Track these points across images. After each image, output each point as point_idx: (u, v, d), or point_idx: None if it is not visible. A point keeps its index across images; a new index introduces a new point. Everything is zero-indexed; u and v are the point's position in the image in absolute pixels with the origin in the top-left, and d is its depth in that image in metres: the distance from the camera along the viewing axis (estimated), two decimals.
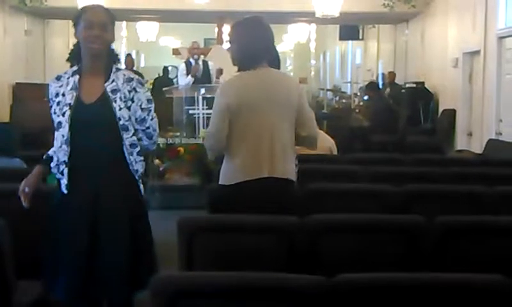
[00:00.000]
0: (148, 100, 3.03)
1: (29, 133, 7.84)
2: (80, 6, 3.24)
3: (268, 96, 3.32)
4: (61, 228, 2.96)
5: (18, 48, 11.73)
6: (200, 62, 9.36)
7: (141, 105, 3.00)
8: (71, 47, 3.07)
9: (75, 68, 3.03)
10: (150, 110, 3.04)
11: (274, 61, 3.48)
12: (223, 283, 2.11)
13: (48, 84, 3.03)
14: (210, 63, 9.48)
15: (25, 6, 10.76)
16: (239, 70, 3.43)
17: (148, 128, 3.05)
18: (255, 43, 3.36)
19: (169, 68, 15.68)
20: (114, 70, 3.01)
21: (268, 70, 3.40)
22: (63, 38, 13.74)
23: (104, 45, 2.96)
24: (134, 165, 2.99)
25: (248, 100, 3.30)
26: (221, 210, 3.32)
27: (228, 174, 3.33)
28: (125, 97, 2.96)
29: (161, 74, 15.47)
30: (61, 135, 2.95)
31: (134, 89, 2.99)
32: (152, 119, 3.06)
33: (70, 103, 2.93)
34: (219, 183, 3.37)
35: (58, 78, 3.03)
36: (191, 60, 9.38)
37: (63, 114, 2.93)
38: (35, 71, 12.47)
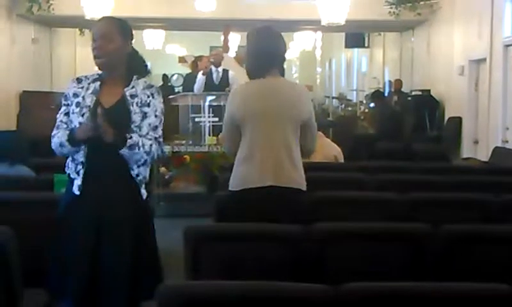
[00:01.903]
0: (162, 111, 3.08)
1: (35, 141, 7.83)
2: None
3: (274, 105, 3.32)
4: (69, 231, 2.97)
5: (25, 57, 11.77)
6: (220, 70, 9.35)
7: (155, 111, 3.04)
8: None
9: (96, 74, 3.08)
10: (161, 121, 3.08)
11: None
12: (229, 292, 2.11)
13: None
14: (230, 72, 9.40)
15: (32, 14, 10.80)
16: (250, 79, 3.46)
17: (160, 137, 3.07)
18: (262, 53, 3.38)
19: (175, 77, 15.65)
20: (134, 78, 3.07)
21: (277, 79, 3.40)
22: (69, 47, 13.75)
23: (106, 56, 3.00)
24: (135, 169, 3.01)
25: (253, 108, 3.32)
26: (227, 217, 3.33)
27: (234, 181, 3.36)
28: (141, 102, 3.02)
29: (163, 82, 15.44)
30: None
31: (152, 95, 3.05)
32: (161, 130, 3.08)
33: (89, 106, 2.98)
34: (229, 189, 3.40)
35: (79, 80, 3.08)
36: (212, 67, 9.38)
37: (83, 115, 2.98)
38: (42, 79, 12.49)
